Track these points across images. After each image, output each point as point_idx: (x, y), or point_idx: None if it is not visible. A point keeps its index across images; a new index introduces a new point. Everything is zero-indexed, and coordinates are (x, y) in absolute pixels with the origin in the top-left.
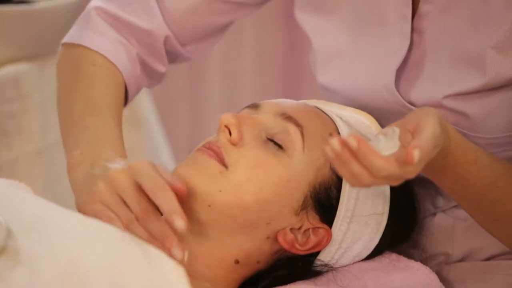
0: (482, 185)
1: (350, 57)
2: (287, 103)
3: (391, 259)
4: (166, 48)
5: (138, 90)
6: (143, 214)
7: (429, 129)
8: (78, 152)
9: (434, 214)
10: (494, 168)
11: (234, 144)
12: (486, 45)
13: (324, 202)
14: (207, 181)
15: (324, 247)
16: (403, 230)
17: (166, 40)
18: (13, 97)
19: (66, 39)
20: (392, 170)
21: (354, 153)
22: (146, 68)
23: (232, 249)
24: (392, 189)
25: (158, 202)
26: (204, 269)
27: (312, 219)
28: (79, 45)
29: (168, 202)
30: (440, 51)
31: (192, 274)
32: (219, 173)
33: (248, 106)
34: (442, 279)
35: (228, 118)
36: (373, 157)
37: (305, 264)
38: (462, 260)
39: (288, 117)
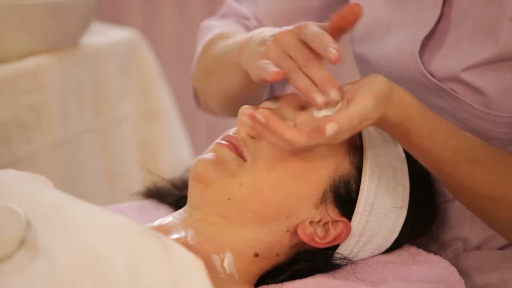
0: (436, 158)
1: (385, 27)
2: None
3: (410, 252)
4: None
5: None
6: (305, 62)
7: (359, 103)
8: (237, 45)
9: (454, 199)
10: (450, 145)
11: (253, 137)
12: (503, 16)
13: (343, 196)
14: (227, 174)
15: (344, 240)
16: (422, 223)
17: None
18: (33, 90)
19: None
20: (303, 142)
21: (266, 127)
22: None
23: (252, 242)
24: (412, 182)
25: (321, 51)
26: (223, 262)
27: (332, 212)
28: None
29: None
30: (463, 23)
31: (211, 267)
32: (238, 166)
33: (268, 99)
34: (459, 266)
35: (247, 111)
36: (283, 130)
37: (324, 258)
38: (479, 246)
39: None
